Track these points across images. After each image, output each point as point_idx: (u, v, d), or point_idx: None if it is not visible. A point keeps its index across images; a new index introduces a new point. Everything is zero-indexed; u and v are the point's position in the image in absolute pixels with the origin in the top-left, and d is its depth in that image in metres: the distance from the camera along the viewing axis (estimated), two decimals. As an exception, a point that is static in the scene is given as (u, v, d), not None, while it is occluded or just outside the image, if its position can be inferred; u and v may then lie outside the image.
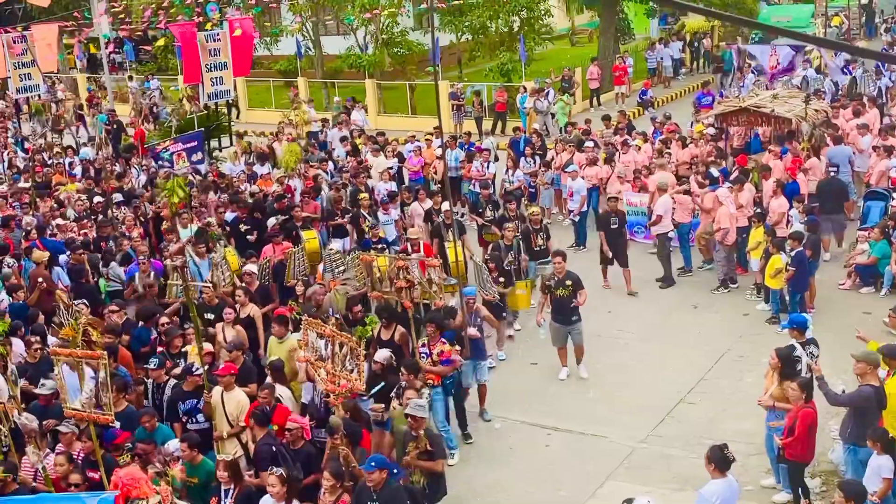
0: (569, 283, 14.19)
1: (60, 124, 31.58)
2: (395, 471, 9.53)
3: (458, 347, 12.51)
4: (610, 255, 17.61)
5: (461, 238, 16.54)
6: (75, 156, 25.73)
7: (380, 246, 16.22)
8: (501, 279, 15.06)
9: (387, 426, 11.19)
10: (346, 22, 37.08)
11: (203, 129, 23.30)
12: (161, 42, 39.18)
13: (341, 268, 14.92)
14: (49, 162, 24.90)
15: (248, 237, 17.96)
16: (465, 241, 17.35)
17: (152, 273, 15.68)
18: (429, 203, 18.95)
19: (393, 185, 20.94)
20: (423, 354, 12.38)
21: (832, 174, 18.83)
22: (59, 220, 18.75)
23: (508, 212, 17.96)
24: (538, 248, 16.56)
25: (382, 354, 12.02)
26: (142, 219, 19.02)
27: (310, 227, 17.59)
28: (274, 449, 10.04)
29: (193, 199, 19.78)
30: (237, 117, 36.05)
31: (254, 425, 10.67)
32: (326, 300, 14.11)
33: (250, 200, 19.54)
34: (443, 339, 12.38)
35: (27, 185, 21.66)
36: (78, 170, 24.04)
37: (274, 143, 25.45)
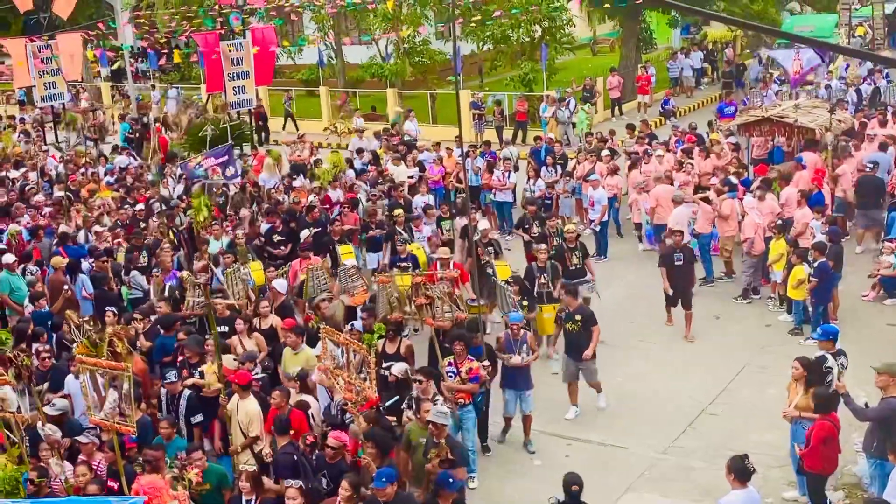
0: (578, 317, 13.39)
1: (95, 133, 31.80)
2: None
3: (486, 363, 12.31)
4: (670, 292, 16.20)
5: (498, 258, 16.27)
6: (107, 164, 25.91)
7: (404, 264, 15.89)
8: (524, 302, 14.46)
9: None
10: (363, 39, 37.16)
11: (232, 141, 23.40)
12: (176, 58, 39.47)
13: (357, 283, 14.90)
14: (82, 171, 25.11)
15: (280, 248, 17.92)
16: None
17: (167, 287, 15.69)
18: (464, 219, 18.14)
19: (430, 199, 20.56)
20: (450, 373, 12.07)
21: (869, 169, 18.99)
22: (97, 228, 18.85)
23: (548, 229, 17.42)
24: (574, 268, 15.96)
25: (399, 367, 11.89)
26: (174, 230, 19.00)
27: (347, 242, 17.50)
28: (294, 458, 10.01)
29: (228, 209, 19.86)
30: (285, 128, 36.04)
31: (275, 433, 10.68)
32: (330, 309, 14.10)
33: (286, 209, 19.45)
34: (470, 357, 12.10)
35: (61, 194, 21.85)
36: (111, 178, 24.08)
37: (296, 153, 25.57)
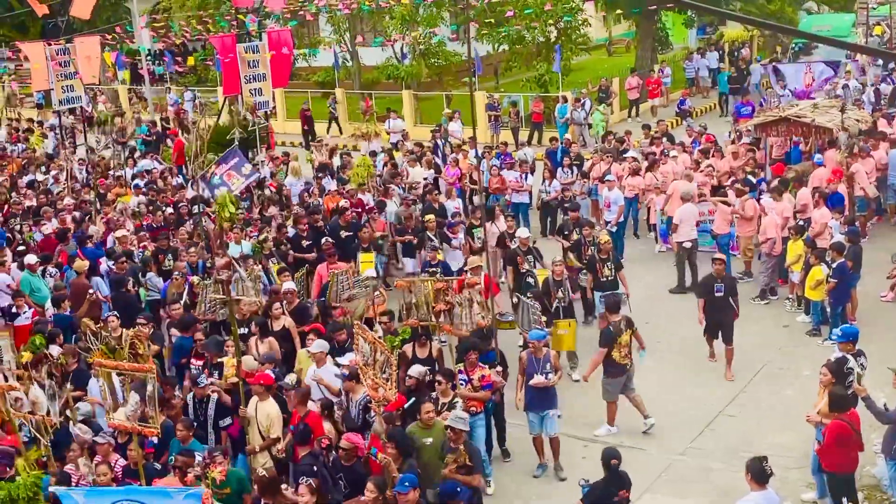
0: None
1: (124, 136, 31.96)
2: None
3: (499, 368, 12.26)
4: (702, 324, 15.14)
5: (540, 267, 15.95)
6: (136, 167, 26.00)
7: (433, 269, 15.68)
8: (543, 318, 13.95)
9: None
10: (374, 45, 37.18)
11: (239, 144, 23.38)
12: (191, 62, 39.58)
13: (375, 293, 14.91)
14: (111, 174, 25.18)
15: (307, 253, 17.79)
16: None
17: (185, 289, 15.70)
18: (503, 225, 17.86)
19: (458, 203, 20.30)
20: (462, 381, 11.92)
21: None
22: (120, 232, 18.91)
23: (584, 237, 16.97)
24: (605, 279, 15.72)
25: (417, 370, 11.87)
26: (200, 234, 18.90)
27: (371, 250, 17.37)
28: (315, 469, 9.91)
29: (254, 212, 19.83)
30: (335, 131, 36.04)
31: (297, 443, 10.68)
32: (351, 306, 14.19)
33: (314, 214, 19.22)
34: (481, 364, 11.97)
35: (89, 197, 21.92)
36: (140, 182, 24.19)
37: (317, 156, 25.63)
